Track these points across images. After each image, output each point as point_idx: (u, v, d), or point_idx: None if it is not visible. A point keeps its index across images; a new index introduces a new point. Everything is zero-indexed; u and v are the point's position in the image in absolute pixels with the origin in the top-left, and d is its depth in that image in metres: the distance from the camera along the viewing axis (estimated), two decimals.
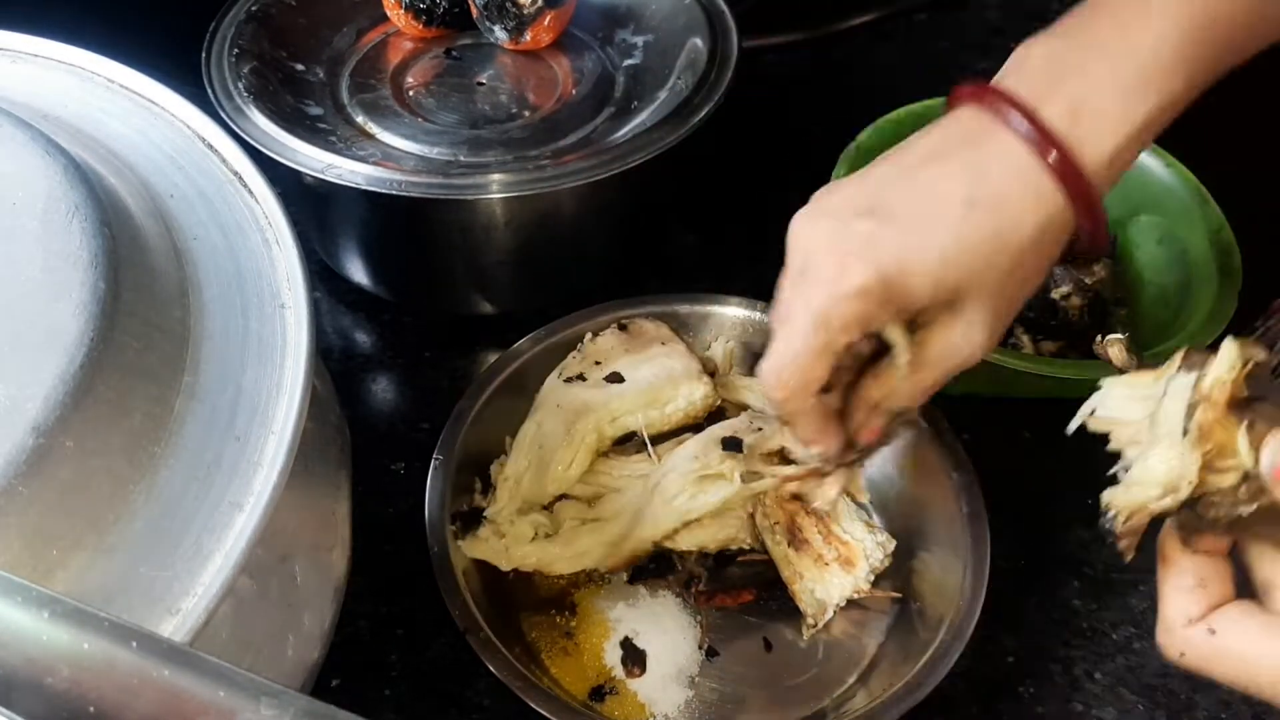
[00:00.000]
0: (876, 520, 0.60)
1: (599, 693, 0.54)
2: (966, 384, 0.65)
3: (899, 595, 0.57)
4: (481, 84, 0.72)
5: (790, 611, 0.57)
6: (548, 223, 0.67)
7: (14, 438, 0.33)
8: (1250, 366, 0.34)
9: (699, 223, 0.80)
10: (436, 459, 0.57)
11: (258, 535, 0.35)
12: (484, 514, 0.57)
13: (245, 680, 0.26)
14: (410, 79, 0.72)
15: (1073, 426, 0.40)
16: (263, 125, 0.63)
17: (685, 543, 0.57)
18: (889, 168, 0.46)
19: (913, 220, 0.43)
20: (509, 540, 0.55)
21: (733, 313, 0.65)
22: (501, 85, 0.72)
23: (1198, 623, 0.35)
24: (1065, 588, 0.60)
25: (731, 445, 0.56)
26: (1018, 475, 0.65)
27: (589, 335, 0.63)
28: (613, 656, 0.55)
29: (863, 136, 0.69)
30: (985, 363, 0.58)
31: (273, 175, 0.47)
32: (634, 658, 0.54)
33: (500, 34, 0.72)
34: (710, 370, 0.62)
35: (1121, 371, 0.50)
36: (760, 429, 0.58)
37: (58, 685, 0.25)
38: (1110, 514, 0.37)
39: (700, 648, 0.56)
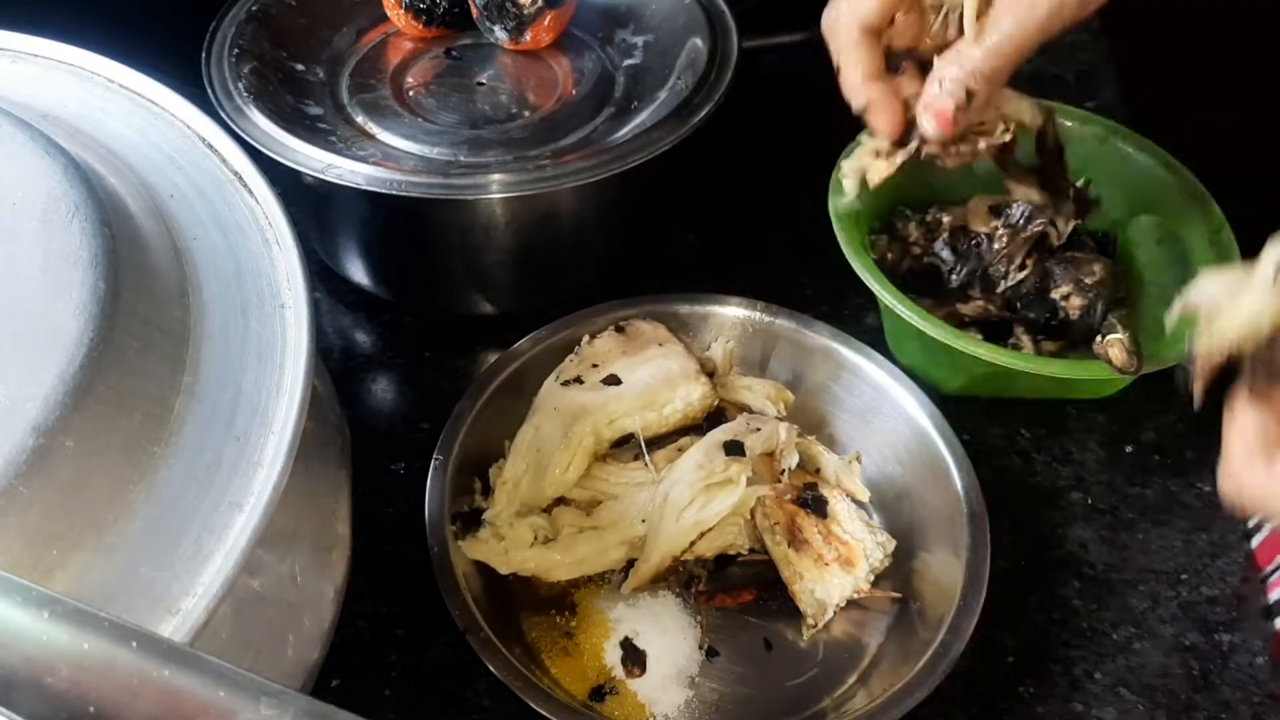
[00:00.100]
0: (876, 520, 0.60)
1: (599, 693, 0.54)
2: (967, 384, 0.65)
3: (899, 595, 0.57)
4: (481, 84, 0.72)
5: (790, 611, 0.57)
6: (548, 223, 0.67)
7: (14, 438, 0.33)
8: None
9: (699, 223, 0.80)
10: (436, 459, 0.57)
11: (258, 535, 0.35)
12: (483, 516, 0.57)
13: (245, 680, 0.26)
14: (410, 79, 0.72)
15: (1172, 316, 0.43)
16: (263, 125, 0.63)
17: (698, 550, 0.57)
18: None
19: None
20: (508, 543, 0.55)
21: (732, 313, 0.65)
22: (501, 85, 0.72)
23: (1259, 459, 0.36)
24: (1065, 588, 0.60)
25: (734, 450, 0.56)
26: (1018, 475, 0.65)
27: (586, 338, 0.63)
28: (613, 656, 0.55)
29: (863, 137, 0.69)
30: (985, 363, 0.58)
31: (273, 175, 0.47)
32: (634, 658, 0.54)
33: (500, 34, 0.72)
34: (709, 370, 0.62)
35: (1122, 373, 0.51)
36: (758, 429, 0.58)
37: (58, 685, 0.25)
38: (1190, 351, 0.40)
39: (700, 648, 0.56)
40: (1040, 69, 0.91)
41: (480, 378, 0.61)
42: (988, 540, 0.54)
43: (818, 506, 0.57)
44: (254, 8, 0.71)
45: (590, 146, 0.66)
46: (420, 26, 0.74)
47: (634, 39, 0.75)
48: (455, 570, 0.53)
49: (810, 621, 0.56)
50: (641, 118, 0.68)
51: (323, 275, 0.74)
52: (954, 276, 0.66)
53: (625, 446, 0.61)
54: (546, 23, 0.72)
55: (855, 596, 0.56)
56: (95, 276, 0.37)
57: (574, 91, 0.72)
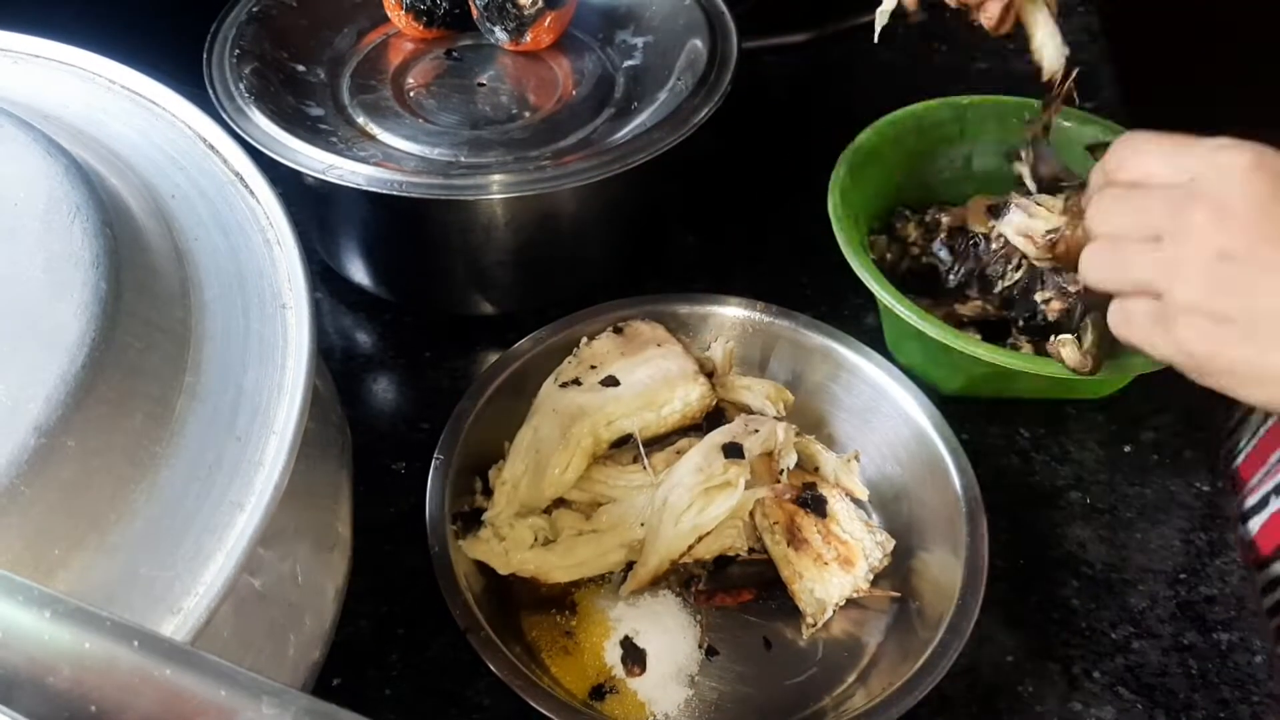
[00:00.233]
0: (876, 520, 0.60)
1: (599, 692, 0.54)
2: (965, 384, 0.65)
3: (898, 595, 0.57)
4: (482, 85, 0.72)
5: (790, 611, 0.57)
6: (548, 223, 0.67)
7: (16, 437, 0.33)
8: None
9: (699, 223, 0.80)
10: (437, 459, 0.57)
11: (259, 535, 0.35)
12: (483, 517, 0.57)
13: (247, 679, 0.26)
14: (411, 80, 0.73)
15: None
16: (264, 126, 0.64)
17: (697, 553, 0.57)
18: None
19: None
20: (508, 544, 0.56)
21: (732, 313, 0.65)
22: (502, 86, 0.72)
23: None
24: (1064, 587, 0.60)
25: (733, 452, 0.56)
26: (1017, 475, 0.65)
27: (584, 339, 0.63)
28: (613, 656, 0.55)
29: (863, 137, 0.69)
30: (984, 363, 0.58)
31: (274, 176, 0.47)
32: (634, 657, 0.55)
33: (501, 35, 0.73)
34: (709, 370, 0.62)
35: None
36: (756, 431, 0.58)
37: (59, 684, 0.25)
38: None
39: (700, 647, 0.56)
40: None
41: (481, 378, 0.61)
42: (986, 540, 0.54)
43: (817, 506, 0.58)
44: (255, 8, 0.71)
45: (590, 147, 0.66)
46: (421, 27, 0.74)
47: (634, 40, 0.75)
48: (456, 570, 0.53)
49: (810, 621, 0.56)
50: (641, 118, 0.68)
51: (324, 275, 0.74)
52: (952, 277, 0.66)
53: (624, 448, 0.61)
54: (547, 24, 0.72)
55: (854, 596, 0.56)
56: (97, 277, 0.37)
57: (574, 92, 0.72)
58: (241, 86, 0.66)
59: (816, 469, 0.61)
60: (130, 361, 0.37)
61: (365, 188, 0.61)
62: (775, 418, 0.61)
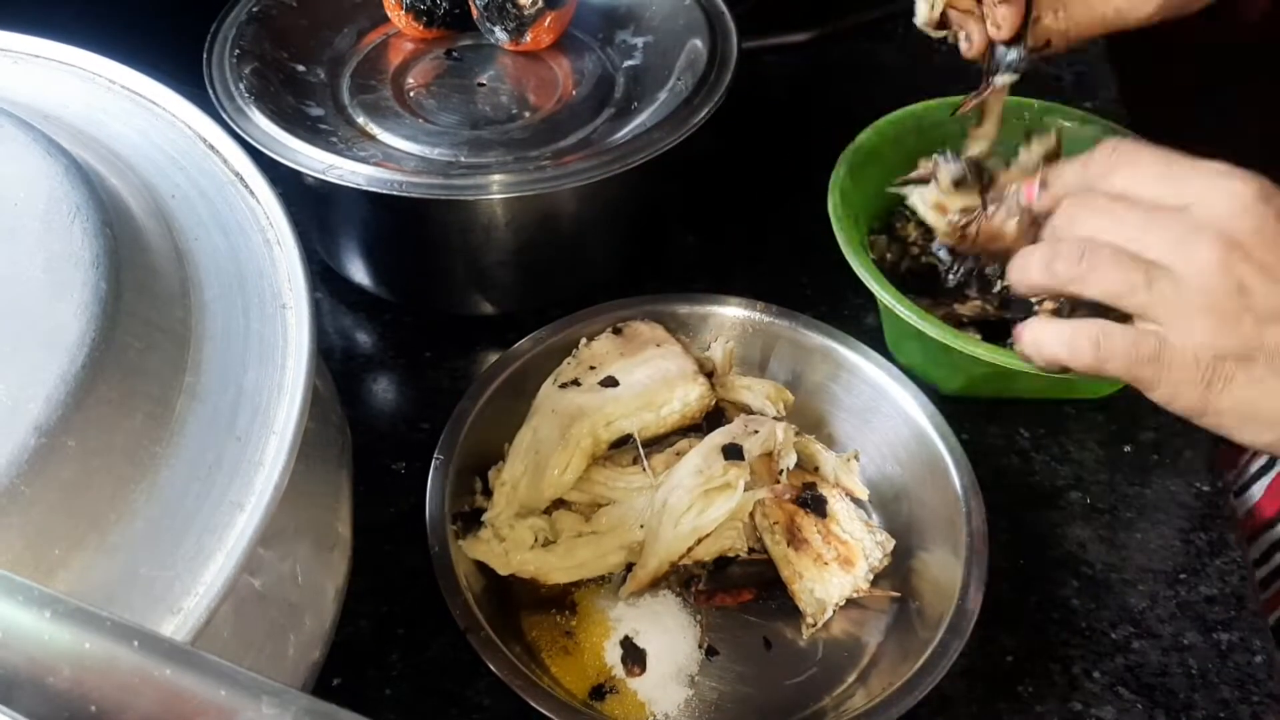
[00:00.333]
0: (875, 520, 0.60)
1: (599, 692, 0.54)
2: (965, 384, 0.65)
3: (898, 594, 0.57)
4: (482, 85, 0.72)
5: (790, 611, 0.57)
6: (548, 223, 0.67)
7: (16, 437, 0.33)
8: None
9: (699, 223, 0.80)
10: (437, 459, 0.57)
11: (259, 535, 0.35)
12: (483, 517, 0.57)
13: (247, 679, 0.26)
14: (411, 80, 0.73)
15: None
16: (264, 126, 0.64)
17: (696, 555, 0.57)
18: None
19: None
20: (508, 545, 0.55)
21: (732, 313, 0.65)
22: (502, 86, 0.72)
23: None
24: (1064, 587, 0.60)
25: (733, 453, 0.56)
26: (1016, 475, 0.65)
27: (583, 340, 0.63)
28: (613, 656, 0.55)
29: (863, 136, 0.69)
30: (984, 363, 0.58)
31: (274, 176, 0.47)
32: (634, 657, 0.55)
33: (501, 35, 0.73)
34: (708, 370, 0.62)
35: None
36: (756, 431, 0.58)
37: (59, 684, 0.25)
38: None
39: (700, 647, 0.56)
40: (1039, 69, 0.91)
41: (481, 378, 0.61)
42: (986, 540, 0.55)
43: (817, 506, 0.58)
44: (255, 8, 0.71)
45: (590, 147, 0.66)
46: (421, 27, 0.74)
47: (634, 40, 0.76)
48: (456, 570, 0.53)
49: (810, 620, 0.56)
50: (641, 118, 0.68)
51: (324, 276, 0.74)
52: (951, 276, 0.66)
53: (624, 449, 0.61)
54: (547, 24, 0.72)
55: (854, 595, 0.56)
56: (97, 277, 0.37)
57: (574, 92, 0.72)
58: (241, 86, 0.66)
59: (816, 469, 0.61)
60: (130, 361, 0.37)
61: (365, 188, 0.61)
62: (775, 418, 0.61)
